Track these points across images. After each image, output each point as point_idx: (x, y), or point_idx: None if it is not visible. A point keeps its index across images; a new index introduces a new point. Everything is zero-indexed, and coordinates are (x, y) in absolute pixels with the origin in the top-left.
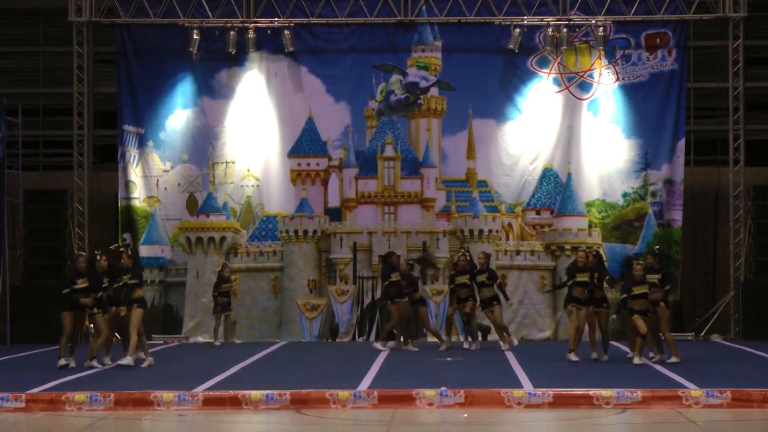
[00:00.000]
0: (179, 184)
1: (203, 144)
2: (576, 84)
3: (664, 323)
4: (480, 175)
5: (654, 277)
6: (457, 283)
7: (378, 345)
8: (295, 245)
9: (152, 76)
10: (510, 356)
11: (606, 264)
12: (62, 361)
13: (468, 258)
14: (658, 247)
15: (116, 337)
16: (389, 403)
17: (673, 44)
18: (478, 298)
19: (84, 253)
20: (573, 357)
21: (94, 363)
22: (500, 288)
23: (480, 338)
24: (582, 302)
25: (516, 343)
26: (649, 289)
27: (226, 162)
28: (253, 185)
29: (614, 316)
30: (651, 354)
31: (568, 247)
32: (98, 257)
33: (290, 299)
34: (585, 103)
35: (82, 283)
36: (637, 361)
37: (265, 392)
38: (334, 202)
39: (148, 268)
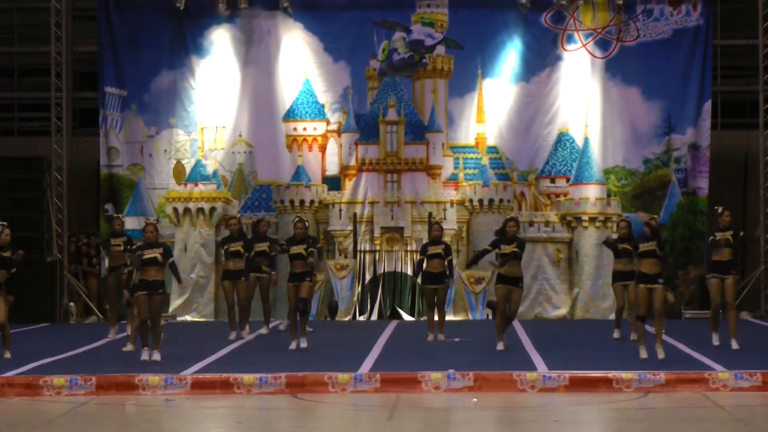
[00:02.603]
0: (165, 151)
1: (191, 107)
2: (594, 41)
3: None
4: (490, 140)
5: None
6: (291, 252)
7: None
8: (291, 216)
9: (136, 34)
10: (523, 336)
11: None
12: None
13: (306, 226)
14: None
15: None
16: (393, 386)
17: None
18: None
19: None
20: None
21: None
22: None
23: (490, 316)
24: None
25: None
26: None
27: (216, 126)
28: (245, 151)
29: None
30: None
31: (585, 217)
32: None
33: (285, 274)
34: (603, 62)
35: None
36: (643, 354)
37: (258, 375)
38: (332, 169)
39: (134, 239)
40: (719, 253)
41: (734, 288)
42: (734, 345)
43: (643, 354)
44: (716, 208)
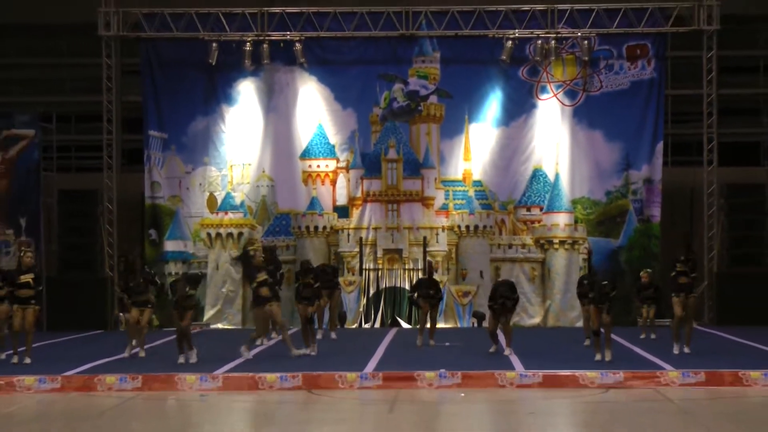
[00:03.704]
0: (200, 185)
1: (222, 147)
2: (563, 92)
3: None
4: (475, 175)
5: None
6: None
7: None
8: (307, 240)
9: (175, 86)
10: (503, 341)
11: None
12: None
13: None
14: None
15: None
16: (393, 383)
17: (653, 55)
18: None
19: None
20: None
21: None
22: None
23: (475, 324)
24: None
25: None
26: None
27: (243, 164)
28: (267, 185)
29: None
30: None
31: (556, 241)
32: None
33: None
34: (571, 109)
35: (260, 277)
36: (597, 357)
37: (279, 374)
38: (342, 200)
39: (172, 261)
40: (681, 279)
41: (694, 305)
42: (686, 350)
43: (598, 357)
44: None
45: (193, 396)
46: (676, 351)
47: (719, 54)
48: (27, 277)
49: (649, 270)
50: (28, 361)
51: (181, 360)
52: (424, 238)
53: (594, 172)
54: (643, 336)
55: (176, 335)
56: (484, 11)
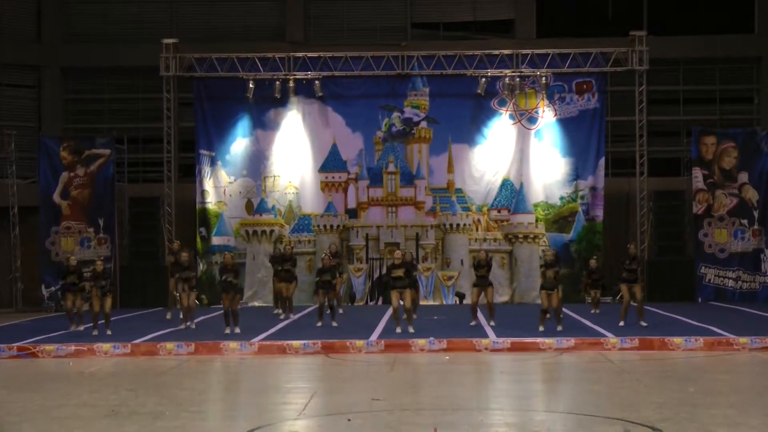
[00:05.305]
0: (240, 192)
1: (257, 163)
2: (526, 118)
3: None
4: (457, 184)
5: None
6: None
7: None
8: (324, 236)
9: (220, 115)
10: (479, 315)
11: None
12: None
13: (330, 258)
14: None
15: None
16: (392, 349)
17: (596, 89)
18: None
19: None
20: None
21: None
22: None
23: (458, 302)
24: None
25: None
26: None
27: (274, 176)
28: (293, 192)
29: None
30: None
31: (521, 236)
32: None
33: None
34: (532, 132)
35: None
36: (541, 328)
37: (303, 342)
38: (352, 204)
39: (218, 252)
40: (628, 271)
41: (640, 290)
42: (643, 323)
43: (541, 328)
44: (628, 245)
45: (235, 359)
46: (621, 324)
47: (648, 89)
48: (100, 266)
49: (596, 257)
50: (109, 332)
51: (228, 331)
52: (417, 233)
53: (550, 181)
54: (592, 311)
55: (224, 312)
56: (464, 55)
